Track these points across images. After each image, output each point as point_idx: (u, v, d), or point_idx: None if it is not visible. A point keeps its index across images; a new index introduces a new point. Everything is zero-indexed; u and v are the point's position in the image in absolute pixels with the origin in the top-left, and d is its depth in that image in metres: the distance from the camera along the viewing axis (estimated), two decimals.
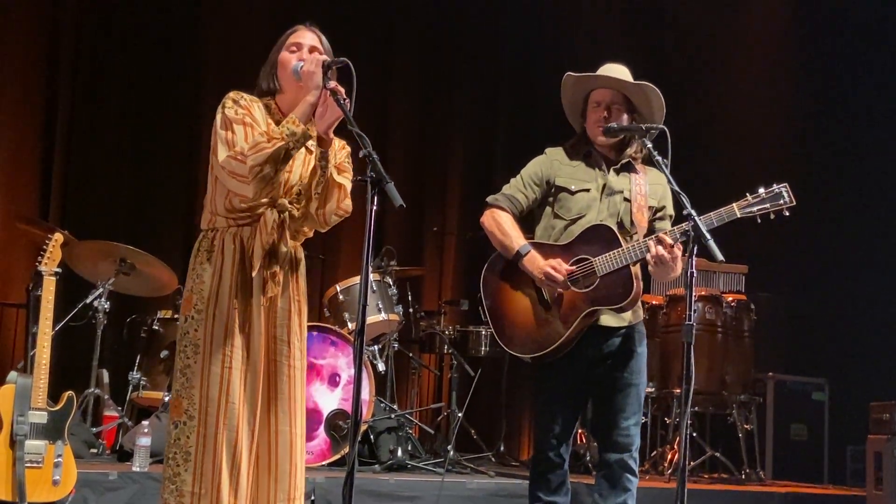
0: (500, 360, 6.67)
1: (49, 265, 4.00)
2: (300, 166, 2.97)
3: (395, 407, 5.72)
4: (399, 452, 5.25)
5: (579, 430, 6.10)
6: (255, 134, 2.84)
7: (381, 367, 5.69)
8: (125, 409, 5.40)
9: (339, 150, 3.03)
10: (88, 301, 5.24)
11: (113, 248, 5.24)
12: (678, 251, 3.36)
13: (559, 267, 3.47)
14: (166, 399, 5.03)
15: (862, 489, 5.90)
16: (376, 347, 5.78)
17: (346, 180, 3.00)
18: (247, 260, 2.91)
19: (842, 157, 7.64)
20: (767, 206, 3.34)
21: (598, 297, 3.46)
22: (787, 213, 3.35)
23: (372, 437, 5.40)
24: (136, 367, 5.42)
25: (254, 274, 2.89)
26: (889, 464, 5.46)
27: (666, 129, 3.43)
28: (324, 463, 5.04)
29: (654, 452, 6.28)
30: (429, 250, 8.15)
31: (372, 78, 7.27)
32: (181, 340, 2.90)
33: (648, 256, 3.37)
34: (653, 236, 3.41)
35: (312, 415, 5.10)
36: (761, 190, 3.36)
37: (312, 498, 4.46)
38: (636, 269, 3.49)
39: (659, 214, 3.62)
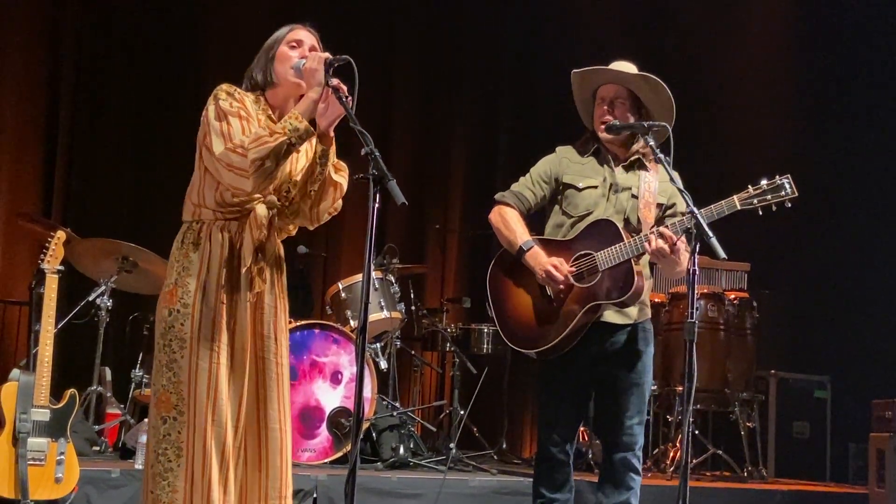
0: (502, 358, 6.66)
1: (51, 263, 4.01)
2: (289, 164, 2.94)
3: (397, 405, 5.72)
4: (401, 450, 5.24)
5: (581, 428, 6.09)
6: (252, 127, 2.82)
7: (383, 364, 5.69)
8: (127, 406, 5.40)
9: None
10: (91, 299, 5.24)
11: (115, 245, 5.24)
12: (681, 245, 3.35)
13: (560, 266, 3.47)
14: None
15: (864, 487, 5.90)
16: (378, 345, 5.79)
17: (342, 179, 2.99)
18: (235, 255, 2.87)
19: (843, 156, 7.64)
20: (769, 197, 3.31)
21: (600, 292, 3.46)
22: (790, 205, 3.31)
23: (374, 434, 5.41)
24: (138, 365, 5.43)
25: (244, 270, 2.86)
26: (891, 461, 5.46)
27: (668, 125, 3.43)
28: (326, 460, 5.05)
29: (657, 450, 6.28)
30: (431, 248, 8.15)
31: (373, 77, 7.24)
32: (165, 334, 2.84)
33: (648, 249, 3.37)
34: (653, 229, 3.41)
35: (315, 412, 5.11)
36: (763, 181, 3.34)
37: (315, 495, 4.46)
38: (640, 266, 3.49)
39: (669, 212, 3.61)
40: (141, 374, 5.39)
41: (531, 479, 3.68)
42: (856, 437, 6.68)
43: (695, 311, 3.03)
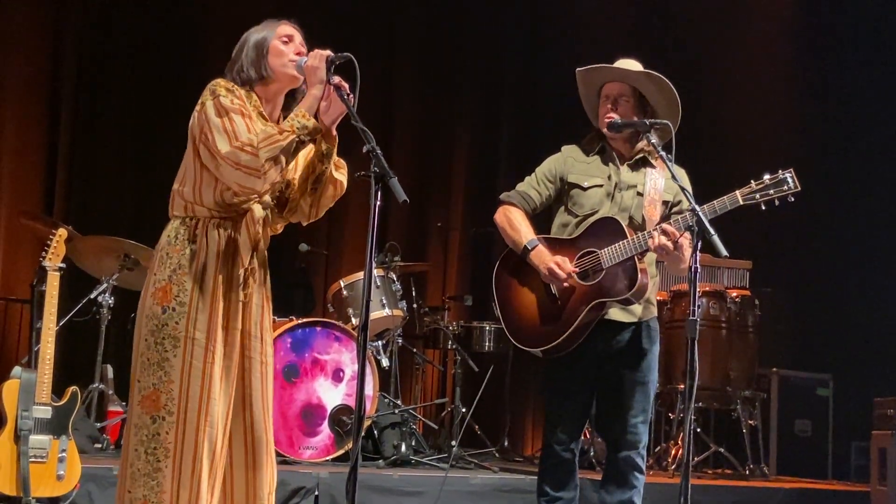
0: (504, 356, 6.66)
1: (53, 260, 4.00)
2: None
3: (398, 402, 5.72)
4: (403, 448, 5.25)
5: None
6: (256, 125, 2.79)
7: (384, 362, 5.69)
8: (129, 404, 5.39)
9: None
10: (92, 296, 5.24)
11: (117, 243, 5.24)
12: (685, 241, 3.35)
13: (563, 264, 3.47)
14: None
15: (866, 485, 5.90)
16: (380, 343, 5.79)
17: (342, 176, 2.98)
18: (230, 254, 2.85)
19: (844, 155, 7.64)
20: (771, 192, 3.30)
21: (604, 289, 3.46)
22: (793, 199, 3.30)
23: (376, 432, 5.41)
24: None
25: (241, 269, 2.84)
26: (893, 460, 5.45)
27: (669, 123, 3.43)
28: (327, 458, 5.06)
29: (658, 448, 6.28)
30: (433, 246, 8.14)
31: (373, 77, 7.26)
32: (157, 332, 2.77)
33: (651, 246, 3.37)
34: (656, 226, 3.41)
35: (316, 410, 5.12)
36: (766, 176, 3.33)
37: (316, 493, 4.47)
38: (644, 264, 3.49)
39: (676, 209, 3.61)
40: None
41: (533, 477, 3.69)
42: (858, 435, 6.68)
43: (697, 308, 3.03)
